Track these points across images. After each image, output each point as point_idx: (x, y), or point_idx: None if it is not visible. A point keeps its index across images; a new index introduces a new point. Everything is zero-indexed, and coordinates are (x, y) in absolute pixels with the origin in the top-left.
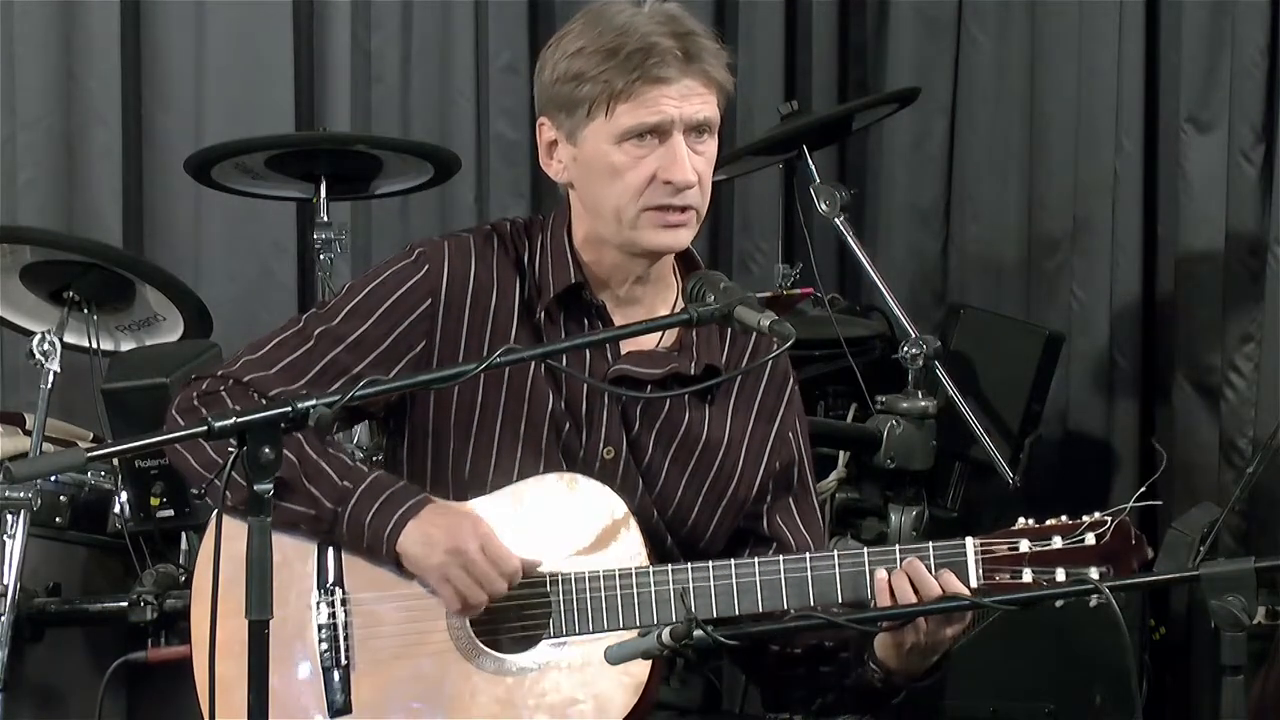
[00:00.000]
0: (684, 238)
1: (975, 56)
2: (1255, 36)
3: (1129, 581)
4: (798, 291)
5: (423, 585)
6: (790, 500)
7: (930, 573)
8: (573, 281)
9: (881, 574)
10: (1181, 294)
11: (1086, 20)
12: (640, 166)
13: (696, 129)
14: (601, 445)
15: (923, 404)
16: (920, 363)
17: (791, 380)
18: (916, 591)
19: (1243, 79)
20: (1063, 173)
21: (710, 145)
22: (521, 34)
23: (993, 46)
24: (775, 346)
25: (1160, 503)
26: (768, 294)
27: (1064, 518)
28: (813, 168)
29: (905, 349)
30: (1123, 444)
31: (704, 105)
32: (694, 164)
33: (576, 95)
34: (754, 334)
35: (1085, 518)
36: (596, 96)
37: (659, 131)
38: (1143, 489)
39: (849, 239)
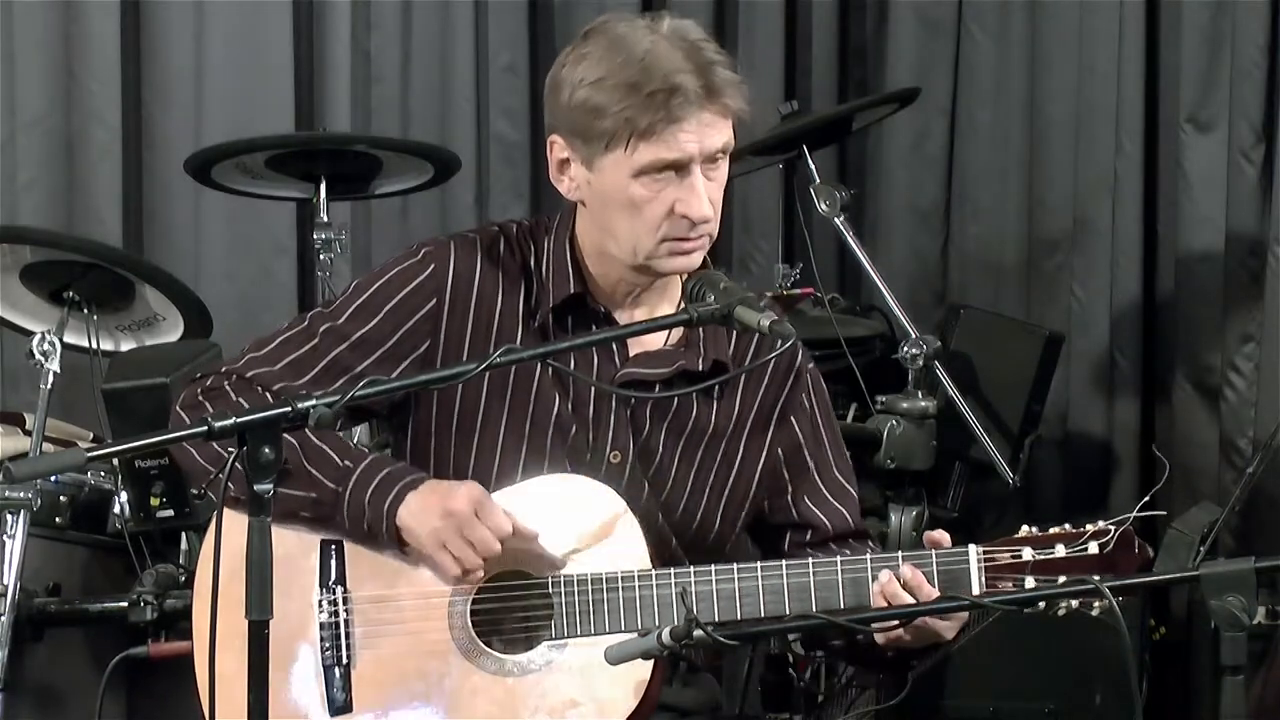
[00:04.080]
0: (697, 259)
1: (975, 56)
2: (1255, 36)
3: (1129, 581)
4: (798, 291)
5: (425, 581)
6: (813, 478)
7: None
8: (573, 292)
9: (880, 583)
10: (1181, 294)
11: (1086, 20)
12: (658, 200)
13: (711, 156)
14: (608, 449)
15: (923, 404)
16: (920, 363)
17: (797, 365)
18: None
19: (1243, 79)
20: (1063, 173)
21: (723, 168)
22: (521, 34)
23: (993, 46)
24: (778, 346)
25: (1165, 513)
26: (768, 294)
27: (1067, 526)
28: (813, 168)
29: (905, 349)
30: (1123, 444)
31: (721, 136)
32: (708, 191)
33: (596, 127)
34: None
35: (1089, 526)
36: (617, 132)
37: (678, 166)
38: (1146, 498)
39: (849, 239)
